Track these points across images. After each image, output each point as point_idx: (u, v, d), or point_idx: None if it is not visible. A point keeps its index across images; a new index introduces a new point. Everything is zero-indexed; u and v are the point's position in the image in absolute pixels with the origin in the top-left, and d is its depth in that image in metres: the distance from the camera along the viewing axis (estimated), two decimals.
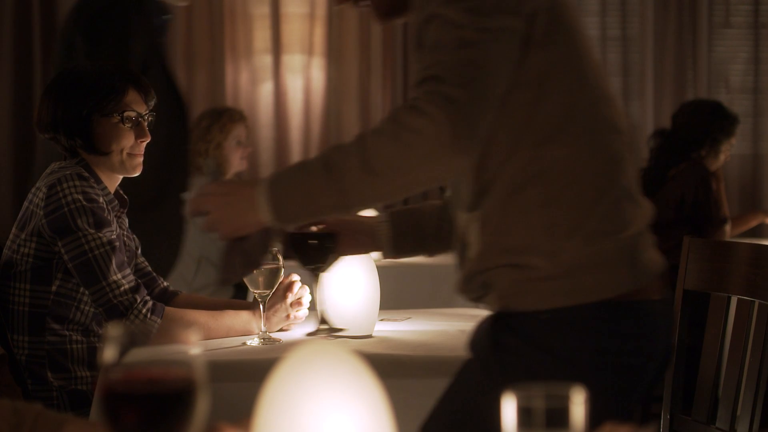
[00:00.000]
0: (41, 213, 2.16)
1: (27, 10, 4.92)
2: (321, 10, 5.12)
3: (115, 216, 2.27)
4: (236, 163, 4.15)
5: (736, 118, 4.30)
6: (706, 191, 4.07)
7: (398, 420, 1.02)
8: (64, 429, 1.10)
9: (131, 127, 2.25)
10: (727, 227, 4.15)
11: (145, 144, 2.28)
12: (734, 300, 2.07)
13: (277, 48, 5.07)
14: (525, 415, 0.83)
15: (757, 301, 1.98)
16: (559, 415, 0.84)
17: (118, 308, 2.11)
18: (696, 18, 5.25)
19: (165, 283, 2.44)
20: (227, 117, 4.14)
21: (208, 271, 4.04)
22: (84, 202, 2.15)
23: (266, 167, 5.10)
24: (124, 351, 0.88)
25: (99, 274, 2.13)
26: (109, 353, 0.88)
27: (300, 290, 2.18)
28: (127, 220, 2.41)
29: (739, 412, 1.97)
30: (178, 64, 5.02)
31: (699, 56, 5.25)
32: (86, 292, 2.18)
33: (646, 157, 4.52)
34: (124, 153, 2.25)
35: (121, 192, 2.37)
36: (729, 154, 4.33)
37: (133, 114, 2.25)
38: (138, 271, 2.39)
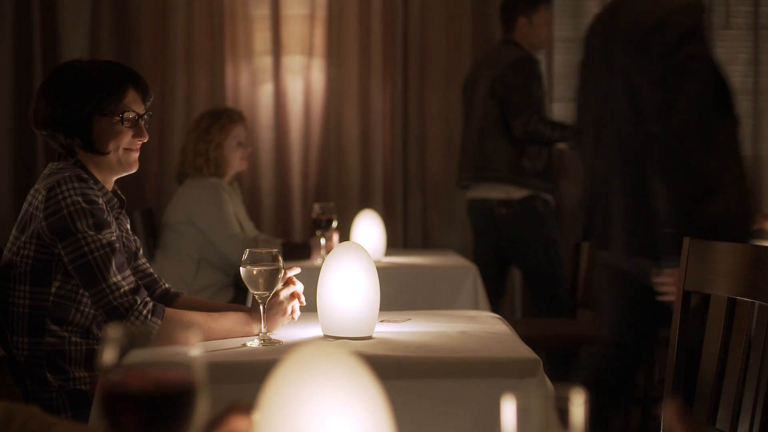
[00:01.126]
0: (41, 215, 2.16)
1: (27, 10, 4.92)
2: (321, 12, 5.12)
3: (114, 217, 2.27)
4: (236, 163, 4.15)
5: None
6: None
7: (397, 421, 1.02)
8: (51, 431, 1.10)
9: (130, 127, 2.25)
10: None
11: (141, 143, 2.28)
12: (734, 301, 2.07)
13: (277, 49, 5.08)
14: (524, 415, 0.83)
15: (757, 303, 1.98)
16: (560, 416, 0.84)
17: (118, 310, 2.11)
18: None
19: (166, 285, 2.44)
20: (227, 117, 4.14)
21: (207, 273, 4.04)
22: (83, 204, 2.15)
23: (266, 169, 5.10)
24: (124, 352, 0.88)
25: (99, 276, 2.13)
26: (109, 355, 0.88)
27: (292, 286, 2.18)
28: (127, 221, 2.41)
29: (739, 413, 1.97)
30: (178, 65, 5.02)
31: None
32: (86, 294, 2.18)
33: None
34: (121, 150, 2.25)
35: (119, 192, 2.37)
36: None
37: (132, 115, 2.25)
38: (139, 272, 2.39)
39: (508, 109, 4.47)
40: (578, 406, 0.84)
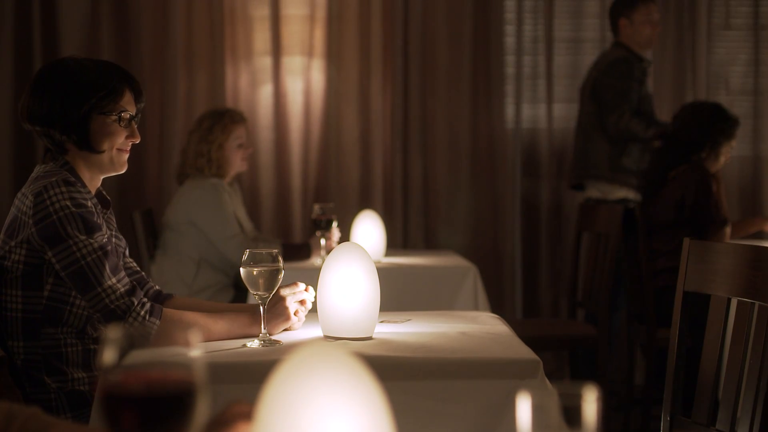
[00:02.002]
0: (30, 222, 2.14)
1: (27, 9, 4.92)
2: (321, 12, 5.12)
3: (103, 216, 2.26)
4: (237, 164, 4.15)
5: (736, 120, 4.30)
6: (705, 193, 4.07)
7: (398, 422, 1.02)
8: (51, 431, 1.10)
9: (124, 127, 2.25)
10: (728, 229, 4.15)
11: (132, 144, 2.28)
12: (734, 302, 2.07)
13: (277, 50, 5.07)
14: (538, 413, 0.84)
15: (757, 303, 1.98)
16: (572, 414, 0.84)
17: (115, 312, 2.10)
18: (695, 20, 5.25)
19: (156, 286, 2.44)
20: (229, 118, 4.14)
21: (207, 274, 4.04)
22: (73, 208, 2.13)
23: (266, 169, 5.10)
24: (123, 353, 0.88)
25: (94, 281, 2.11)
26: (108, 356, 0.88)
27: (302, 293, 2.18)
28: (114, 220, 2.40)
29: (739, 414, 1.97)
30: (178, 65, 5.02)
31: (699, 58, 5.25)
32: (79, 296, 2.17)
33: (647, 159, 4.54)
34: (114, 150, 2.25)
35: (104, 193, 2.37)
36: (729, 156, 4.33)
37: (127, 115, 2.26)
38: (126, 271, 2.38)
39: (602, 107, 4.62)
40: (590, 403, 0.84)
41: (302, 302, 2.18)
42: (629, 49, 4.70)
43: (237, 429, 1.00)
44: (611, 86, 4.62)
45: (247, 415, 1.00)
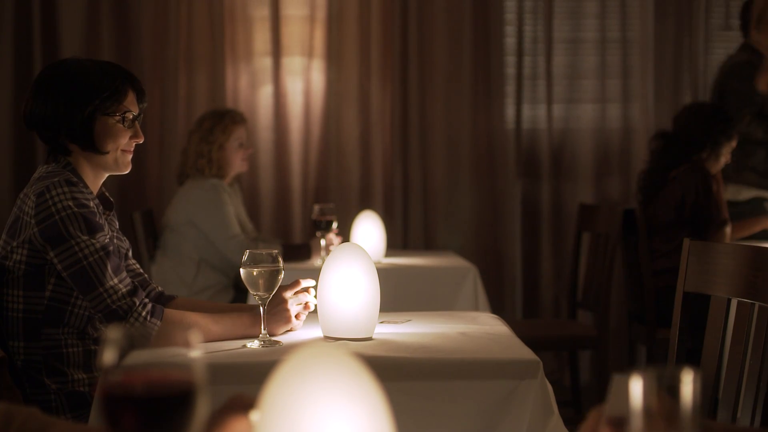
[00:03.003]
0: (32, 222, 2.14)
1: (27, 9, 4.92)
2: (321, 13, 5.12)
3: (105, 218, 2.26)
4: (237, 164, 4.16)
5: (736, 120, 4.30)
6: (706, 193, 4.07)
7: (398, 422, 1.02)
8: (49, 431, 1.10)
9: (128, 127, 2.26)
10: (728, 229, 4.15)
11: (135, 144, 2.28)
12: (734, 302, 2.07)
13: (277, 50, 5.07)
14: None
15: (757, 304, 1.97)
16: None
17: (117, 313, 2.10)
18: (695, 20, 5.25)
19: (159, 288, 2.44)
20: (229, 118, 4.15)
21: (207, 274, 4.04)
22: (75, 209, 2.14)
23: (266, 170, 5.10)
24: (124, 353, 0.88)
25: (95, 281, 2.12)
26: (109, 356, 0.88)
27: (304, 295, 2.18)
28: (117, 222, 2.40)
29: (739, 414, 1.97)
30: (178, 66, 5.02)
31: (697, 58, 5.25)
32: (80, 297, 2.17)
33: (648, 159, 4.54)
34: (119, 150, 2.25)
35: (107, 194, 2.37)
36: (730, 156, 4.34)
37: (131, 115, 2.26)
38: (129, 272, 2.38)
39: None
40: (687, 384, 0.86)
41: (306, 306, 2.18)
42: (756, 51, 4.72)
43: (235, 422, 1.00)
44: (734, 90, 4.64)
45: (245, 408, 1.00)
